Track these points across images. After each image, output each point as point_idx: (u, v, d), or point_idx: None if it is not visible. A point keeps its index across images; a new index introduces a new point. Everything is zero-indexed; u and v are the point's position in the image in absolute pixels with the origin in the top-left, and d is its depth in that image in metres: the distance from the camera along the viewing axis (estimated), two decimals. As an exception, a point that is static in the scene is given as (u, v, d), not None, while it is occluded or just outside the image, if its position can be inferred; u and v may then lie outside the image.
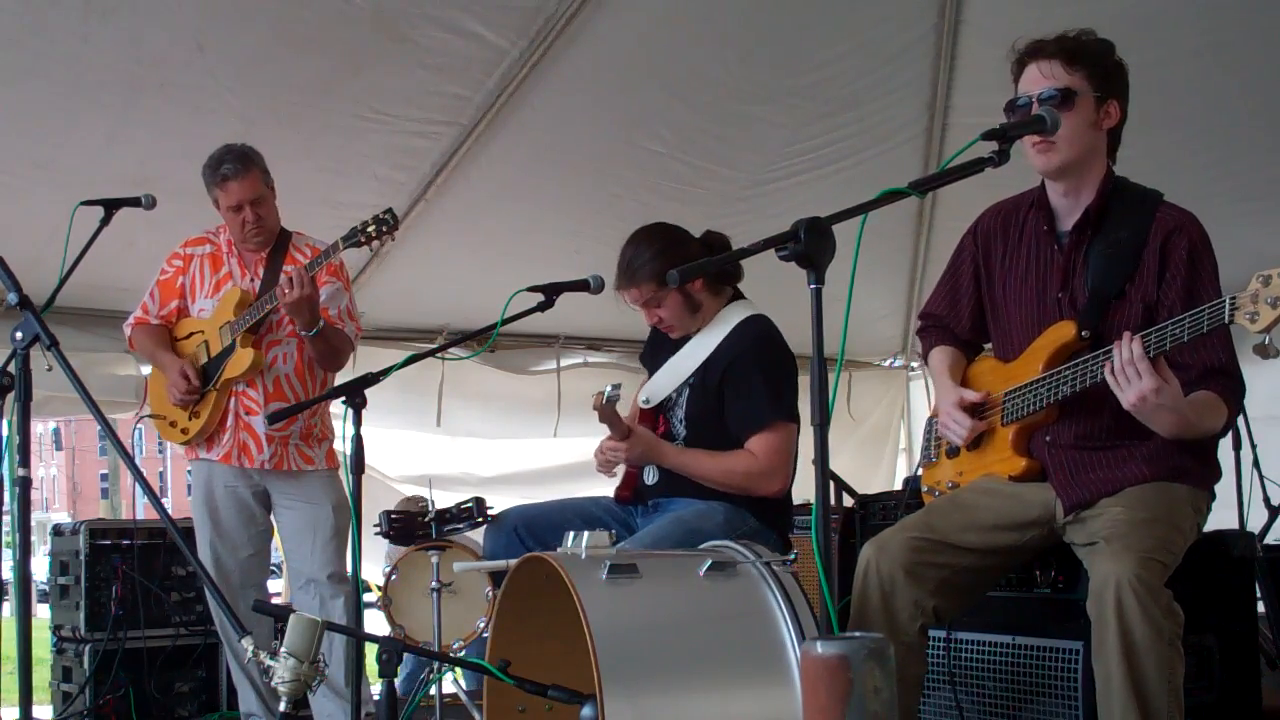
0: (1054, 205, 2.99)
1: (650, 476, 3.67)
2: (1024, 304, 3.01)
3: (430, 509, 4.60)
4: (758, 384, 3.51)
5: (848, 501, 4.39)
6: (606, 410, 3.51)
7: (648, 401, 3.74)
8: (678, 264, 3.35)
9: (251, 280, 4.30)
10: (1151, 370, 2.58)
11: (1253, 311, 2.44)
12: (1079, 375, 2.77)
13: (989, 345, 3.19)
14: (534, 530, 3.53)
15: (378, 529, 4.61)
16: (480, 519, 4.37)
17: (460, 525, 4.51)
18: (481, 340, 5.88)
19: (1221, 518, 3.17)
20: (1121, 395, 2.62)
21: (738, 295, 3.76)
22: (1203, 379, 2.76)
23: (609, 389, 3.50)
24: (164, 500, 6.06)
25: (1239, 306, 2.46)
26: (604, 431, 3.69)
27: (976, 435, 3.03)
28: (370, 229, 3.89)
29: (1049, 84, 2.84)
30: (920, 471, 3.32)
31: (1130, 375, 2.59)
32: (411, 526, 4.56)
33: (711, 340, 3.65)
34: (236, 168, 4.16)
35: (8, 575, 4.60)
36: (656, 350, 3.87)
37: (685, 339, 3.73)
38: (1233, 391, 2.79)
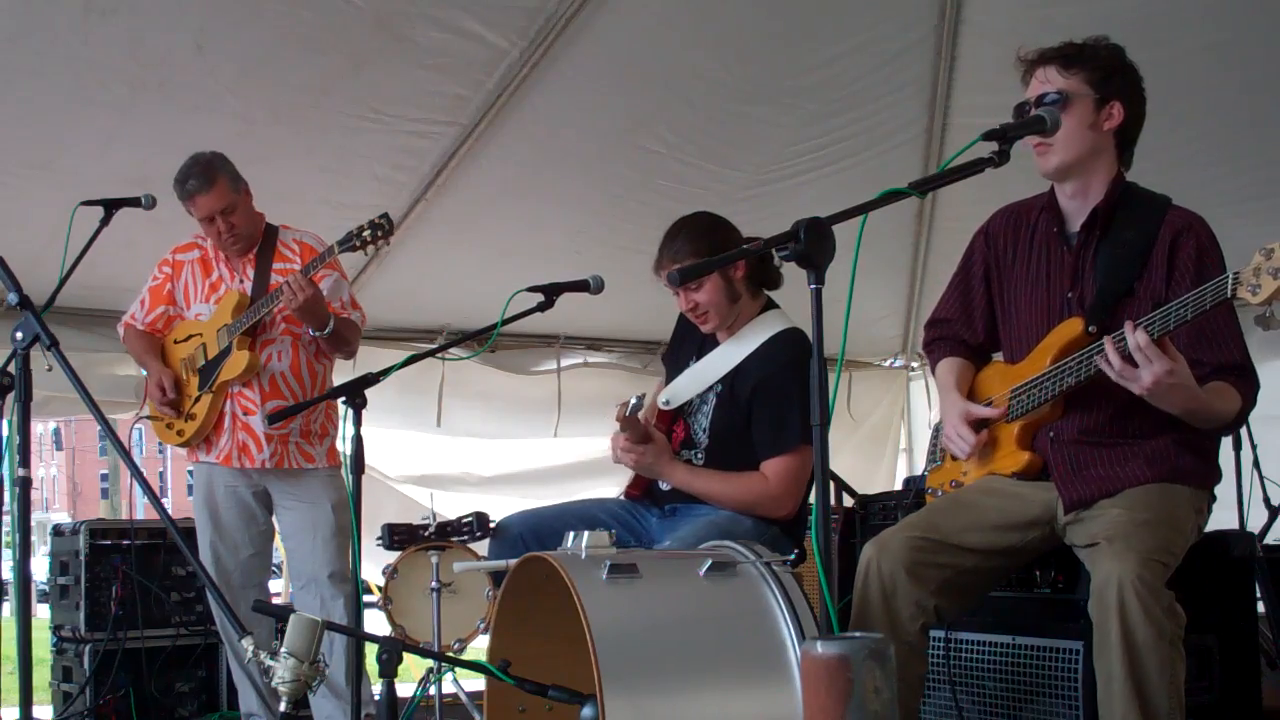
0: (1063, 208, 3.01)
1: (665, 482, 3.65)
2: (1034, 305, 3.02)
3: (432, 521, 4.61)
4: (788, 406, 3.42)
5: (848, 502, 4.38)
6: (629, 420, 3.48)
7: (668, 403, 3.68)
8: (721, 248, 3.38)
9: (241, 282, 4.30)
10: (1161, 354, 2.59)
11: (1255, 284, 2.46)
12: (1083, 365, 2.78)
13: (999, 355, 3.19)
14: (540, 537, 3.46)
15: (379, 541, 4.62)
16: (481, 533, 4.38)
17: (462, 538, 4.53)
18: (481, 340, 5.88)
19: (1221, 518, 3.16)
20: (1135, 384, 2.63)
21: (771, 304, 3.67)
22: (1216, 375, 2.78)
23: (634, 400, 3.47)
24: (164, 500, 6.06)
25: (1241, 281, 2.48)
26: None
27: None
28: (366, 233, 3.88)
29: (1046, 88, 2.89)
30: (926, 474, 3.32)
31: (1140, 360, 2.60)
32: (412, 541, 4.57)
33: (742, 348, 3.56)
34: (200, 182, 4.14)
35: (8, 575, 4.60)
36: (678, 349, 3.80)
37: (712, 344, 3.66)
38: (1246, 383, 2.81)
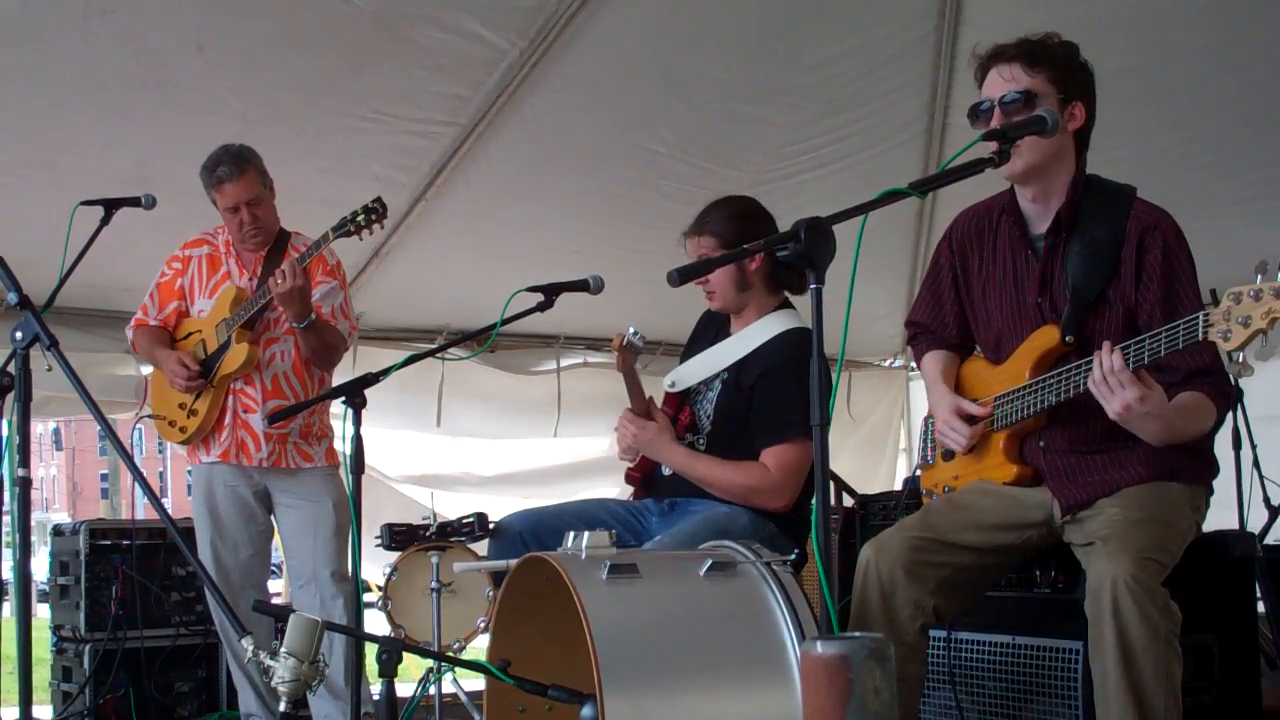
0: (1024, 211, 2.96)
1: (668, 467, 3.65)
2: (1005, 309, 3.00)
3: (432, 520, 4.62)
4: (789, 396, 3.43)
5: (848, 501, 4.39)
6: (627, 358, 3.47)
7: (674, 385, 3.71)
8: (747, 233, 3.42)
9: (249, 280, 4.31)
10: (1134, 380, 2.58)
11: (1225, 330, 2.43)
12: (1063, 385, 2.77)
13: (978, 348, 3.18)
14: (539, 536, 3.47)
15: (379, 541, 4.62)
16: (481, 533, 4.39)
17: (462, 538, 4.53)
18: (481, 340, 5.87)
19: (1221, 518, 3.17)
20: (1106, 406, 2.62)
21: (787, 304, 3.70)
22: (1188, 380, 2.75)
23: (631, 330, 3.46)
24: (164, 500, 6.06)
25: (1213, 324, 2.45)
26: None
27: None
28: (360, 218, 3.90)
29: (1010, 87, 2.82)
30: (919, 473, 3.32)
31: (1113, 385, 2.59)
32: (412, 540, 4.58)
33: (751, 340, 3.60)
34: (231, 170, 4.16)
35: (8, 575, 4.60)
36: (696, 342, 3.84)
37: (725, 334, 3.70)
38: (1220, 390, 2.77)
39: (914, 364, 7.77)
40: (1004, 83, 2.84)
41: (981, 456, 3.01)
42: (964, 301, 3.13)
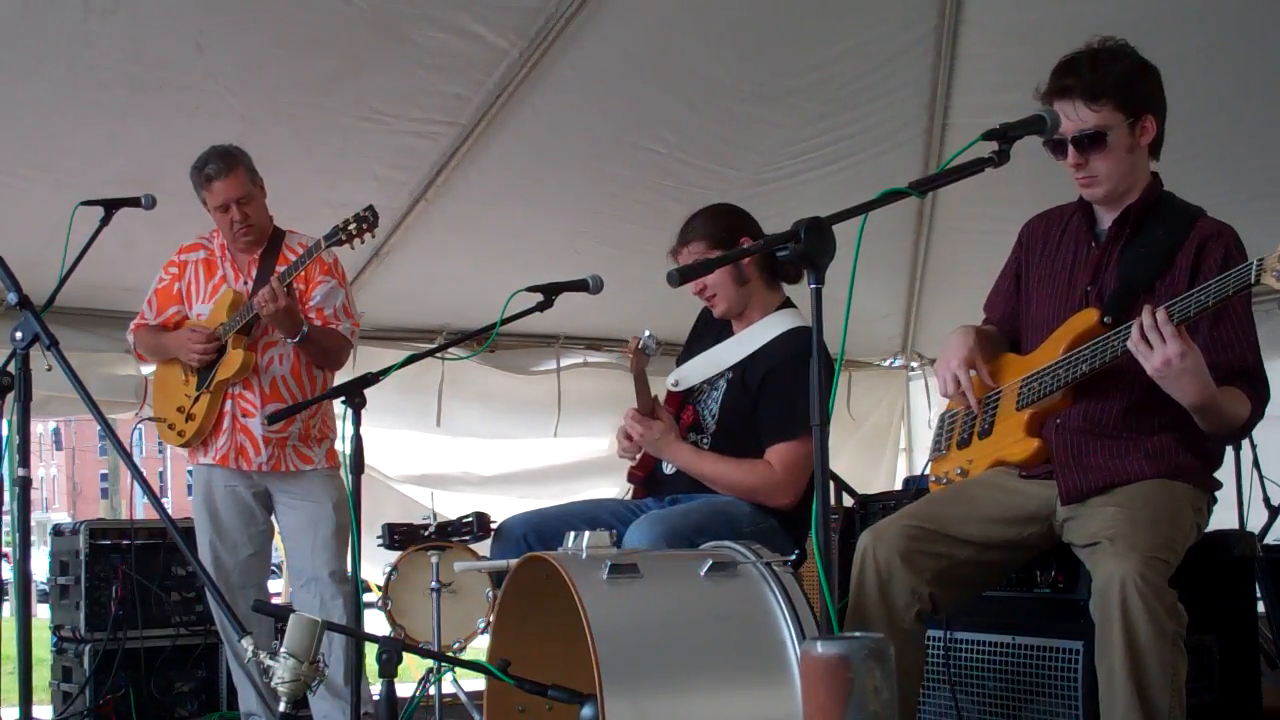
0: (1097, 211, 3.03)
1: (669, 465, 3.64)
2: (1052, 298, 3.03)
3: (432, 520, 4.62)
4: (798, 394, 3.37)
5: (847, 501, 4.38)
6: (639, 362, 3.48)
7: (676, 384, 3.71)
8: (734, 229, 3.46)
9: (245, 283, 4.31)
10: (1176, 335, 2.59)
11: (1279, 270, 2.46)
12: (1098, 352, 2.78)
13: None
14: (543, 537, 3.46)
15: (380, 541, 4.62)
16: (481, 533, 4.39)
17: (463, 538, 4.53)
18: (481, 340, 5.88)
19: (1221, 518, 3.16)
20: (1146, 361, 2.63)
21: (789, 303, 3.71)
22: (1229, 379, 2.77)
23: (646, 334, 3.47)
24: (164, 500, 6.06)
25: (1266, 268, 2.48)
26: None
27: (988, 421, 3.06)
28: (351, 227, 3.94)
29: (1078, 127, 2.85)
30: (929, 467, 3.32)
31: (1154, 340, 2.60)
32: (413, 540, 4.58)
33: (756, 339, 3.61)
34: (220, 167, 4.17)
35: (8, 575, 4.60)
36: (697, 341, 3.84)
37: (728, 334, 3.69)
38: (1257, 392, 2.81)
39: (913, 364, 7.84)
40: (1073, 124, 2.85)
41: (1000, 436, 3.04)
42: (1019, 295, 3.17)
